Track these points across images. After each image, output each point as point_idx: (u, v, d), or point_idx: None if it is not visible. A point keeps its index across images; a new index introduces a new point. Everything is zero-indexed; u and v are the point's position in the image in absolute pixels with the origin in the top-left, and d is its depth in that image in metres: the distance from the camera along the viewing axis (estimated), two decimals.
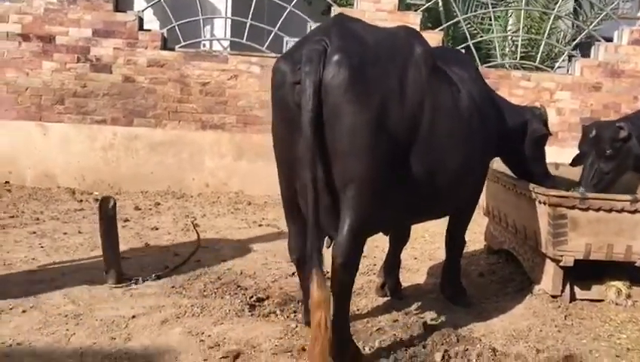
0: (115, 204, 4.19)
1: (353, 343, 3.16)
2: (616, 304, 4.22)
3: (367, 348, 3.36)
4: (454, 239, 4.15)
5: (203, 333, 3.39)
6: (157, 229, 5.74)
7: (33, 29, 6.99)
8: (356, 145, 2.87)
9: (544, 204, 4.00)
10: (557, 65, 8.04)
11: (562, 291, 4.19)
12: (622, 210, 3.93)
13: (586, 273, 4.23)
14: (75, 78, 7.10)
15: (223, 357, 3.10)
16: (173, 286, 4.18)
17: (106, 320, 3.53)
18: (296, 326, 3.60)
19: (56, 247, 4.94)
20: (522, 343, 3.59)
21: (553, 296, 4.21)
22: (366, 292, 4.30)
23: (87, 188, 7.13)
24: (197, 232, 5.61)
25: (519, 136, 4.24)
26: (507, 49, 8.64)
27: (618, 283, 4.24)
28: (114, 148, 7.18)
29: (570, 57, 7.92)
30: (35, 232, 5.33)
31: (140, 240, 5.34)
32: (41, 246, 4.92)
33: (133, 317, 3.59)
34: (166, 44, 7.27)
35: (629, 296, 4.24)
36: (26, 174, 7.03)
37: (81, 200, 6.73)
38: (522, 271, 4.67)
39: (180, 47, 7.30)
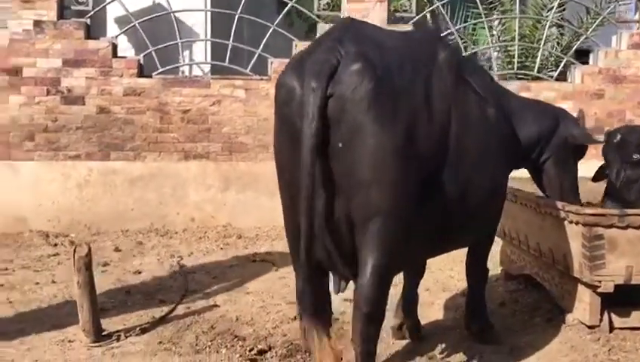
0: (89, 251, 3.66)
1: None
2: None
3: None
4: (477, 267, 3.70)
5: None
6: (140, 273, 5.20)
7: None
8: (380, 172, 2.40)
9: (576, 223, 3.55)
10: (556, 73, 7.68)
11: (601, 320, 3.72)
12: None
13: (621, 298, 3.79)
14: (45, 111, 6.57)
15: None
16: (160, 342, 3.66)
17: None
18: None
19: (26, 301, 4.39)
20: None
21: (590, 327, 3.75)
22: (381, 335, 3.79)
23: (63, 231, 6.55)
24: (184, 275, 5.08)
25: (549, 143, 3.77)
26: (501, 60, 8.30)
27: None
28: (90, 186, 6.63)
29: (569, 65, 7.58)
30: (2, 285, 4.77)
31: (121, 287, 4.80)
32: (10, 301, 4.36)
33: None
34: (143, 71, 6.79)
35: None
36: None
37: (56, 244, 6.16)
38: (549, 298, 4.21)
39: (158, 73, 6.83)
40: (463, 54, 7.14)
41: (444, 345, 3.65)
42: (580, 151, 3.93)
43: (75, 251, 3.63)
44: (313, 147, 2.31)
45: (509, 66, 7.81)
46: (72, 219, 6.60)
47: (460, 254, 5.58)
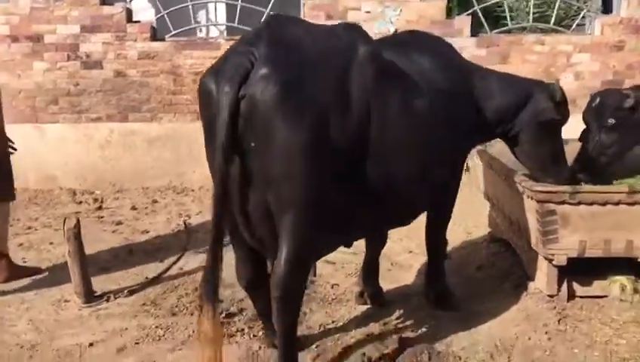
0: (78, 223, 4.03)
1: None
2: (621, 301, 3.84)
3: None
4: (434, 239, 3.83)
5: None
6: (147, 232, 5.59)
7: (21, 30, 6.85)
8: (291, 168, 2.58)
9: (531, 198, 3.63)
10: (574, 24, 7.39)
11: (558, 290, 3.83)
12: (618, 203, 3.53)
13: (587, 267, 3.87)
14: (67, 76, 6.95)
15: None
16: (144, 304, 4.02)
17: (62, 350, 3.40)
18: (260, 349, 3.39)
19: (39, 260, 4.85)
20: (504, 357, 3.28)
21: (550, 296, 3.86)
22: (347, 299, 4.05)
23: (89, 188, 7.03)
24: (186, 235, 5.42)
25: (518, 117, 3.76)
26: (519, 11, 8.02)
27: (622, 278, 3.85)
28: (111, 146, 7.04)
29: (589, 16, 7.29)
30: (22, 244, 5.26)
31: (126, 246, 5.21)
32: (24, 261, 4.83)
33: (91, 345, 3.45)
34: (156, 35, 7.02)
35: (635, 291, 3.86)
36: (29, 177, 6.96)
37: (81, 202, 6.64)
38: (521, 265, 4.32)
39: (170, 36, 7.05)
40: (474, 8, 7.01)
41: (402, 311, 3.85)
42: (553, 126, 3.84)
43: (65, 222, 4.00)
44: (224, 147, 2.51)
45: (527, 18, 7.56)
46: (97, 177, 7.05)
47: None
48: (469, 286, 4.33)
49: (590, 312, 3.75)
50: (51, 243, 5.26)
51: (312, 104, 2.57)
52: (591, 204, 3.53)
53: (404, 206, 3.16)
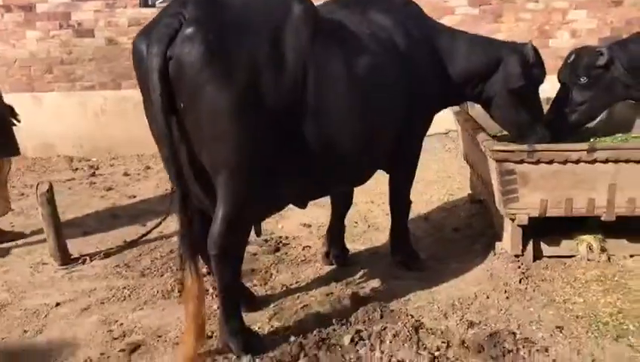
0: (51, 187, 4.12)
1: (247, 330, 2.98)
2: (588, 260, 3.82)
3: (277, 327, 3.20)
4: (395, 200, 3.83)
5: (116, 322, 3.32)
6: (134, 197, 5.70)
7: None
8: (220, 130, 2.60)
9: (492, 158, 3.60)
10: None
11: (523, 250, 3.82)
12: (578, 161, 3.47)
13: (558, 226, 3.85)
14: (60, 45, 7.03)
15: (120, 350, 3.02)
16: (117, 265, 4.12)
17: (30, 309, 3.52)
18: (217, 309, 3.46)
19: (25, 225, 4.99)
20: (459, 315, 3.30)
21: (516, 256, 3.85)
22: (316, 260, 4.09)
23: (86, 155, 7.17)
24: (170, 199, 5.49)
25: (488, 81, 3.71)
26: None
27: (589, 238, 3.83)
28: (105, 114, 7.14)
29: None
30: (13, 210, 5.39)
31: (112, 209, 5.32)
32: (12, 226, 4.97)
33: (57, 305, 3.56)
34: (146, 1, 7.03)
35: (603, 250, 3.83)
36: (27, 145, 7.09)
37: (77, 169, 6.78)
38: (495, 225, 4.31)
39: (161, 2, 7.05)
40: None
41: (366, 271, 3.88)
42: (527, 90, 3.72)
43: (37, 187, 4.10)
44: (160, 108, 2.53)
45: None
46: (93, 144, 7.17)
47: (435, 178, 5.74)
48: (442, 246, 4.34)
49: (554, 272, 3.75)
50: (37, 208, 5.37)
51: (240, 65, 2.56)
52: (550, 162, 3.48)
53: (349, 167, 3.14)
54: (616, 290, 3.49)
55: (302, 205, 3.29)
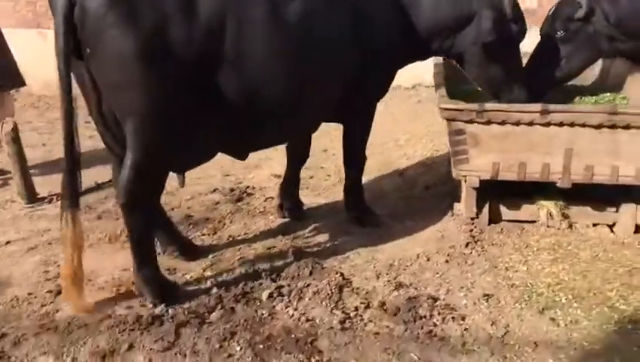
0: (15, 126, 4.19)
1: (162, 279, 3.01)
2: (548, 226, 3.68)
3: (207, 277, 3.22)
4: (350, 154, 3.72)
5: (55, 263, 3.40)
6: None
7: None
8: (126, 77, 2.56)
9: (442, 117, 3.45)
10: None
11: (478, 213, 3.69)
12: (531, 123, 3.29)
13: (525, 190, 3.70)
14: None
15: (47, 291, 3.10)
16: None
17: None
18: None
19: (6, 162, 5.11)
20: (392, 276, 3.25)
21: (471, 218, 3.74)
22: (270, 212, 4.06)
23: None
24: None
25: (458, 36, 3.49)
26: None
27: (550, 204, 3.67)
28: None
29: None
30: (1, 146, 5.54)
31: (96, 153, 5.38)
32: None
33: (8, 243, 3.67)
34: None
35: (565, 217, 3.67)
36: (32, 82, 7.22)
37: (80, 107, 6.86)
38: None
39: None
40: None
41: (318, 225, 3.85)
42: (505, 46, 3.48)
43: (2, 127, 4.17)
44: (61, 52, 2.53)
45: None
46: None
47: (425, 133, 5.57)
48: (407, 204, 4.26)
49: (508, 237, 3.63)
50: (26, 146, 5.43)
51: (145, 11, 2.50)
52: (502, 123, 3.31)
53: (285, 119, 3.04)
54: (565, 260, 3.36)
55: (238, 157, 3.24)
